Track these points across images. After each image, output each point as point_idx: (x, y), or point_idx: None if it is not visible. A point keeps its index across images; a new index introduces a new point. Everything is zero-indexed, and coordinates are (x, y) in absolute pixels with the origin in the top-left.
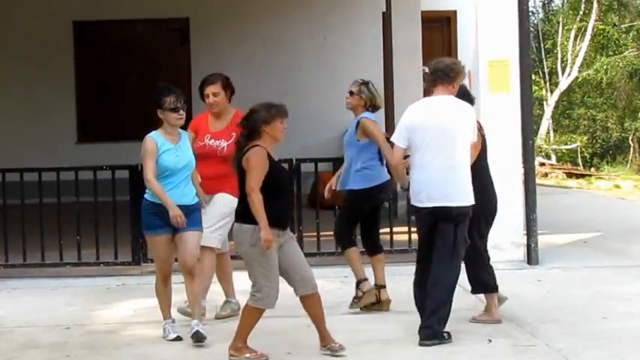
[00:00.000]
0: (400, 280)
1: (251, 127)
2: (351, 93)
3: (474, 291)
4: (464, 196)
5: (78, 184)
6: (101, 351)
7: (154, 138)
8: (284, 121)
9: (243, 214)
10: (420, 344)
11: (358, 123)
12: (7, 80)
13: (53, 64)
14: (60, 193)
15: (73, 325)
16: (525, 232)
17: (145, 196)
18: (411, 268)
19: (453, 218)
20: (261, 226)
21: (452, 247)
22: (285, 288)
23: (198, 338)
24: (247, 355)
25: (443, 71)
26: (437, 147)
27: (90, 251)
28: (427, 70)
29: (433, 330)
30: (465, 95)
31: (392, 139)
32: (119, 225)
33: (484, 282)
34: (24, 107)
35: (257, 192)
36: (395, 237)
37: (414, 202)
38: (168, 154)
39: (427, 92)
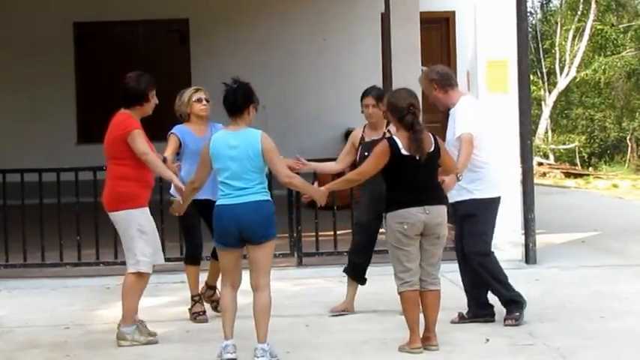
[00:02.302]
0: None
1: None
2: (208, 100)
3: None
4: None
5: (78, 184)
6: (101, 350)
7: None
8: None
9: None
10: None
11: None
12: (8, 81)
13: (54, 65)
14: (60, 193)
15: (73, 325)
16: (523, 231)
17: (269, 197)
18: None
19: None
20: None
21: None
22: (286, 288)
23: None
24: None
25: (452, 76)
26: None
27: (90, 251)
28: (434, 75)
29: None
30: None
31: (468, 129)
32: None
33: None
34: (24, 108)
35: None
36: None
37: (496, 193)
38: None
39: (441, 96)
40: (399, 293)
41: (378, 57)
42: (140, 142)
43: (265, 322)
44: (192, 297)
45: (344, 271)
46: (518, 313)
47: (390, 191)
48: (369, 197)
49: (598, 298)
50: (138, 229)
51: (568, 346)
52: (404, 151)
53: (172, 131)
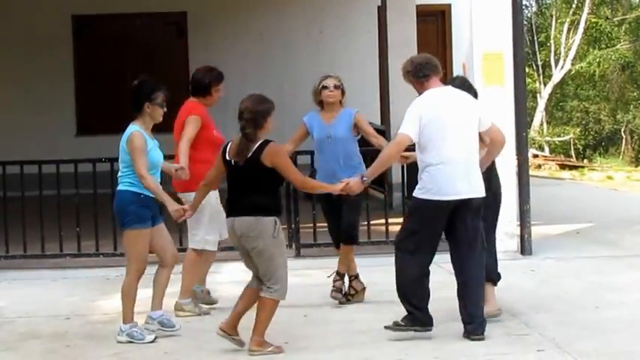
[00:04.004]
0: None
1: (259, 119)
2: (337, 87)
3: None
4: (481, 187)
5: (77, 176)
6: (101, 341)
7: (142, 133)
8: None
9: (265, 207)
10: (476, 339)
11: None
12: (7, 74)
13: (52, 58)
14: (60, 185)
15: (73, 316)
16: (519, 223)
17: (131, 188)
18: (389, 259)
19: (474, 209)
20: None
21: (479, 238)
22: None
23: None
24: (270, 348)
25: (432, 64)
26: (457, 139)
27: (89, 242)
28: (409, 67)
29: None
30: (470, 87)
31: (403, 130)
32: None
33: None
34: (24, 100)
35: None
36: (390, 228)
37: (435, 197)
38: (154, 149)
39: (418, 88)
40: (276, 300)
41: (374, 49)
42: (189, 128)
43: (124, 304)
44: (337, 272)
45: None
46: (403, 324)
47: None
48: None
49: (593, 289)
50: (209, 209)
51: (563, 336)
52: (227, 156)
53: (303, 118)
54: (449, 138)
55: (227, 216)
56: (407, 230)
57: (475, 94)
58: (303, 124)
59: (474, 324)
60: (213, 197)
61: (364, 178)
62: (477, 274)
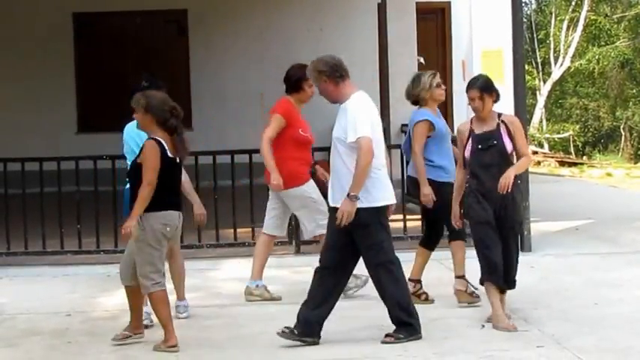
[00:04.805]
0: None
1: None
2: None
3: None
4: None
5: (78, 173)
6: (102, 337)
7: None
8: None
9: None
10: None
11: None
12: (8, 71)
13: (53, 55)
14: (61, 182)
15: (74, 312)
16: None
17: None
18: (406, 255)
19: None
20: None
21: None
22: (284, 276)
23: None
24: None
25: (344, 66)
26: (382, 144)
27: (90, 239)
28: (323, 67)
29: None
30: (492, 87)
31: (364, 133)
32: (119, 213)
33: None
34: (25, 98)
35: None
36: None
37: (381, 202)
38: None
39: (332, 89)
40: (150, 294)
41: (374, 47)
42: (271, 127)
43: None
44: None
45: (481, 282)
46: (402, 336)
47: (155, 191)
48: (478, 195)
49: (592, 286)
50: (310, 200)
51: (563, 332)
52: (169, 153)
53: (425, 117)
54: (380, 142)
55: (173, 209)
56: (378, 244)
57: (498, 95)
58: (429, 122)
59: None
60: (313, 189)
61: (351, 194)
62: None
